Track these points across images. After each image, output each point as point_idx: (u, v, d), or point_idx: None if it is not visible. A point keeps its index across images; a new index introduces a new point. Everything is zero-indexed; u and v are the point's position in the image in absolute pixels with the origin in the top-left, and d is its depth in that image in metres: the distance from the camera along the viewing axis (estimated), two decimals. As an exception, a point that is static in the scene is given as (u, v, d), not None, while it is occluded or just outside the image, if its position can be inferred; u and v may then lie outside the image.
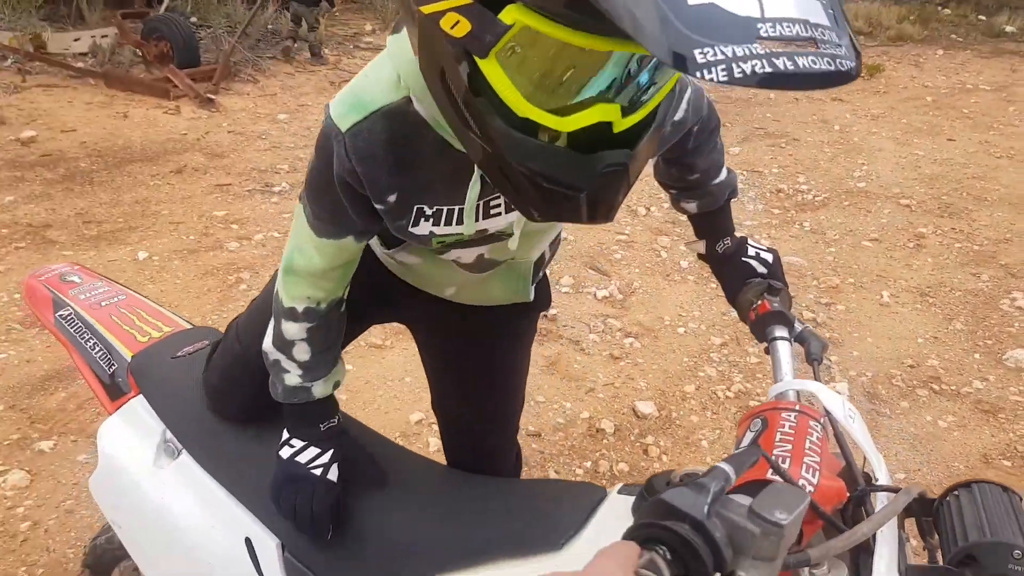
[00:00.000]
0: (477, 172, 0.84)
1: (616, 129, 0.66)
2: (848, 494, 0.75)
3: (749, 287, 1.11)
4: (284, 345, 1.08)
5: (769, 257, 1.15)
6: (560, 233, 1.21)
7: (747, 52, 0.49)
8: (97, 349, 1.37)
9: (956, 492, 0.76)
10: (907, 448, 2.70)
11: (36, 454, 2.49)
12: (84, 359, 1.38)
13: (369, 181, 0.86)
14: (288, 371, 1.09)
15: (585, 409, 2.86)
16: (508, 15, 0.59)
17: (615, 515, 0.94)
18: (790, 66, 0.49)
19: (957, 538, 0.69)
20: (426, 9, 0.63)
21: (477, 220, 0.91)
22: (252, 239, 3.93)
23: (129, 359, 1.34)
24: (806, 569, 0.70)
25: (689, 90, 1.03)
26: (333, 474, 1.09)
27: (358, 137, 0.84)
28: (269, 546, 1.12)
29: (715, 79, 0.49)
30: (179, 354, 1.36)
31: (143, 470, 1.26)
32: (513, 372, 1.34)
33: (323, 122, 0.88)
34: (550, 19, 0.58)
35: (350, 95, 0.86)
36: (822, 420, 0.82)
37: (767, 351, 1.02)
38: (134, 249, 3.74)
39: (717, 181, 1.22)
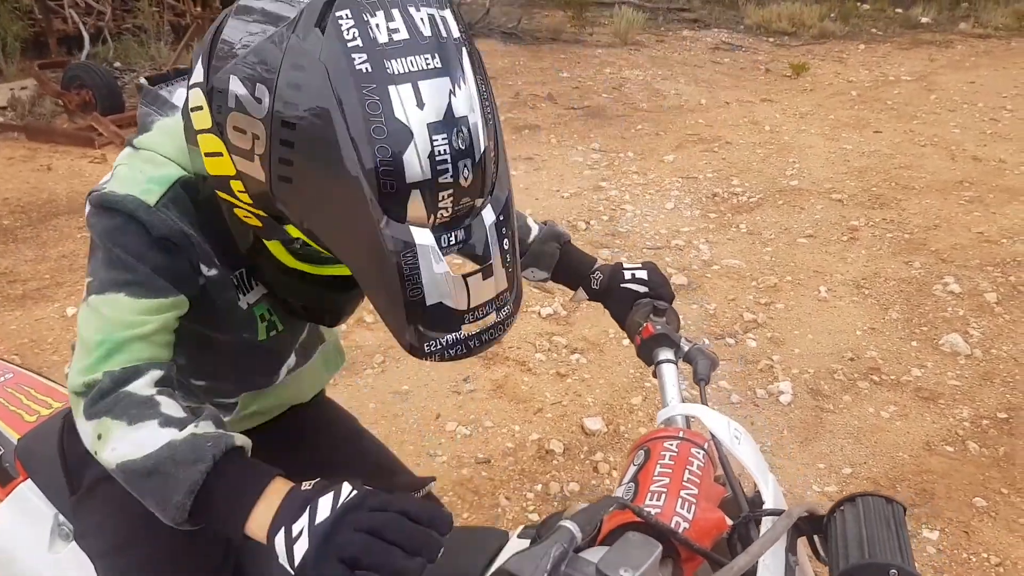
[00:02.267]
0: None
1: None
2: (731, 523, 0.74)
3: (635, 310, 1.09)
4: (142, 412, 0.80)
5: (644, 274, 1.14)
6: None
7: (454, 339, 0.75)
8: None
9: (842, 507, 0.75)
10: (852, 442, 2.73)
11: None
12: None
13: (197, 243, 0.90)
14: (169, 439, 0.79)
15: (534, 431, 2.83)
16: (293, 230, 0.80)
17: (516, 558, 0.91)
18: (475, 344, 0.77)
19: (840, 560, 0.68)
20: (215, 171, 0.80)
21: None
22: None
23: (16, 442, 1.28)
24: (689, 608, 0.68)
25: None
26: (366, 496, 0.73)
27: (170, 208, 0.87)
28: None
29: (434, 360, 0.75)
30: None
31: (38, 558, 1.20)
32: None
33: (96, 218, 0.87)
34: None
35: (130, 177, 0.88)
36: (706, 445, 0.80)
37: (654, 375, 1.01)
38: (62, 305, 3.62)
39: (532, 238, 1.23)
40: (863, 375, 3.09)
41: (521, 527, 0.95)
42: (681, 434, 0.79)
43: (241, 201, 0.79)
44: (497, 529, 0.97)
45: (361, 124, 0.66)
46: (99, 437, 0.81)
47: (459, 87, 0.69)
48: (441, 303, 0.72)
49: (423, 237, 0.69)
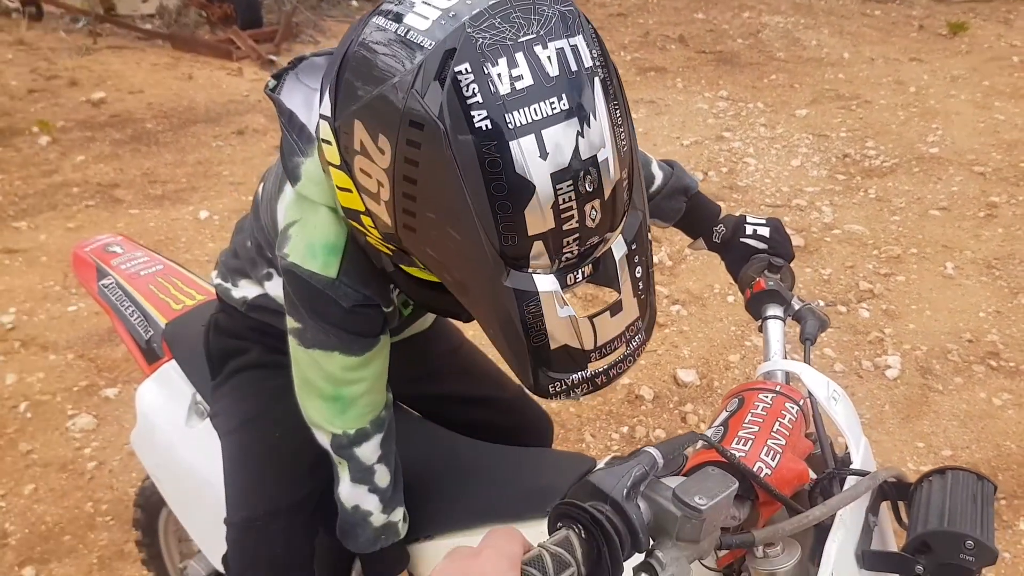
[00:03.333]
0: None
1: None
2: (814, 478, 0.76)
3: (750, 264, 1.09)
4: (365, 476, 1.02)
5: (766, 231, 1.12)
6: None
7: (580, 378, 0.75)
8: (135, 316, 1.47)
9: (931, 478, 0.76)
10: (957, 425, 2.63)
11: (102, 400, 2.66)
12: (124, 325, 1.48)
13: (379, 295, 0.95)
14: (371, 511, 1.04)
15: (626, 375, 2.87)
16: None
17: (601, 484, 0.96)
18: (602, 380, 0.76)
19: (919, 524, 0.69)
20: (347, 204, 0.81)
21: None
22: (308, 200, 4.02)
23: (164, 326, 1.43)
24: (760, 548, 0.71)
25: None
26: None
27: (349, 273, 0.91)
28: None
29: (559, 399, 0.76)
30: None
31: (176, 429, 1.36)
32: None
33: (293, 284, 0.93)
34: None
35: (308, 248, 0.91)
36: (801, 402, 0.82)
37: (760, 329, 1.02)
38: (196, 208, 3.89)
39: (655, 188, 1.18)
40: (980, 359, 2.94)
41: (609, 456, 1.00)
42: (778, 388, 0.81)
43: (371, 234, 0.81)
44: (586, 456, 1.02)
45: (480, 183, 0.65)
46: (339, 463, 1.04)
47: (588, 124, 0.66)
48: (566, 346, 0.71)
49: (546, 284, 0.69)
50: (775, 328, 0.99)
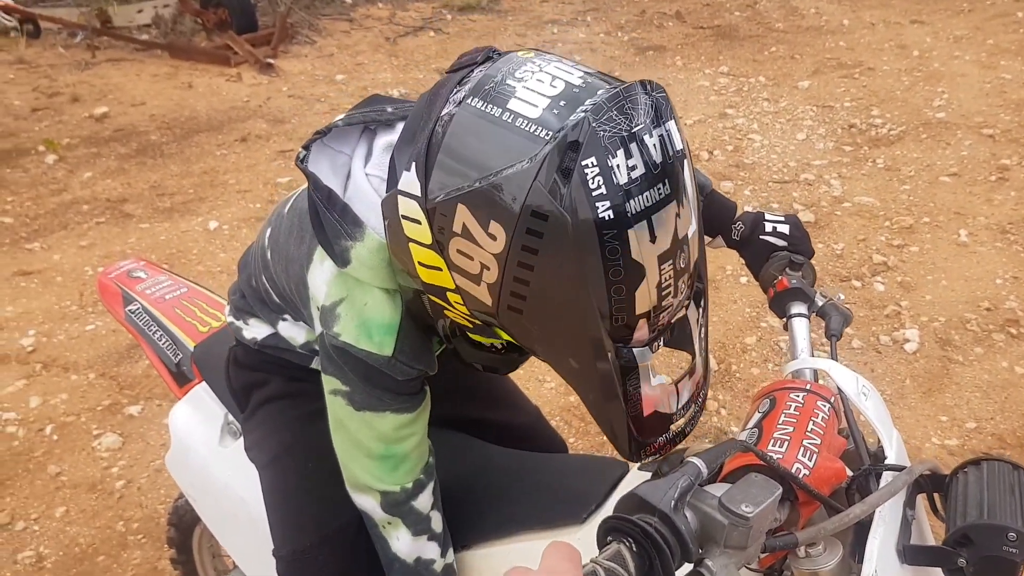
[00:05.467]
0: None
1: None
2: (850, 475, 0.76)
3: (771, 262, 1.09)
4: (424, 526, 1.03)
5: (786, 228, 1.12)
6: None
7: (665, 439, 0.81)
8: (163, 340, 1.49)
9: (966, 469, 0.76)
10: (980, 396, 2.62)
11: (126, 418, 2.69)
12: (153, 350, 1.50)
13: (428, 365, 0.97)
14: (433, 558, 1.04)
15: (644, 362, 2.87)
16: (503, 334, 0.84)
17: (634, 488, 0.96)
18: (679, 438, 0.82)
19: (958, 518, 0.70)
20: (430, 280, 0.81)
21: None
22: (316, 204, 4.03)
23: (192, 349, 1.45)
24: (802, 548, 0.71)
25: None
26: None
27: (404, 351, 0.92)
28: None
29: (646, 459, 0.81)
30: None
31: (210, 450, 1.37)
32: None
33: (345, 361, 0.93)
34: None
35: (361, 328, 0.92)
36: (832, 399, 0.82)
37: (785, 328, 1.02)
38: (205, 219, 3.90)
39: None
40: (999, 327, 2.93)
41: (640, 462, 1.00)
42: (808, 386, 0.81)
43: (455, 308, 0.82)
44: (619, 460, 1.03)
45: (600, 269, 0.68)
46: (388, 524, 1.03)
47: (683, 205, 0.71)
48: (656, 411, 0.77)
49: (644, 357, 0.73)
50: (800, 326, 0.99)
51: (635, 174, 0.68)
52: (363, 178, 0.93)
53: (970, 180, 3.97)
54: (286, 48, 6.39)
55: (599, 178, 0.66)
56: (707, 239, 1.22)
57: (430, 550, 1.04)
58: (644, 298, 0.70)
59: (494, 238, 0.71)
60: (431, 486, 1.03)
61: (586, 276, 0.68)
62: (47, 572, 2.15)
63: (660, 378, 0.75)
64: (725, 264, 3.32)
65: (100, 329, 3.09)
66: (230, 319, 1.21)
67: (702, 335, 0.81)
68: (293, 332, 1.10)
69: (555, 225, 0.68)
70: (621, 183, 0.67)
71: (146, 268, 1.67)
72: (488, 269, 0.73)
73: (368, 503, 1.01)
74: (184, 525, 1.74)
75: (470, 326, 0.85)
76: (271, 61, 5.98)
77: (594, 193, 0.67)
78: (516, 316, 0.75)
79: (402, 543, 1.02)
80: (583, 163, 0.66)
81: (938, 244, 3.46)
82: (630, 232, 0.68)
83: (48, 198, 4.13)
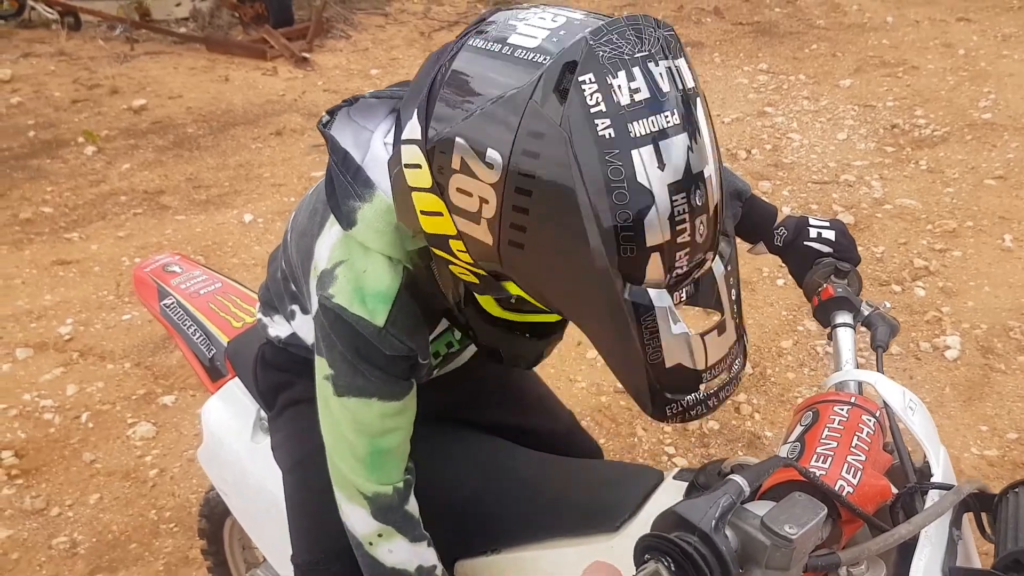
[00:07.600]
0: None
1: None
2: (895, 492, 0.73)
3: (815, 269, 1.05)
4: (419, 532, 1.01)
5: (831, 234, 1.08)
6: None
7: (694, 399, 0.75)
8: (197, 335, 1.50)
9: (1016, 490, 0.72)
10: (1022, 407, 2.54)
11: (160, 408, 2.73)
12: (187, 344, 1.51)
13: (420, 348, 0.95)
14: (435, 563, 1.03)
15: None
16: (512, 287, 0.79)
17: (670, 499, 0.94)
18: (713, 403, 0.76)
19: (1008, 541, 0.67)
20: (432, 229, 0.78)
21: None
22: (348, 198, 4.05)
23: (225, 344, 1.46)
24: (844, 568, 0.69)
25: None
26: None
27: (396, 323, 0.90)
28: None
29: (675, 422, 0.75)
30: None
31: (242, 445, 1.38)
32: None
33: (336, 326, 0.91)
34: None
35: (356, 293, 0.89)
36: (878, 413, 0.79)
37: (829, 337, 0.98)
38: (240, 212, 3.94)
39: None
40: (1045, 335, 2.84)
41: (677, 469, 0.98)
42: (853, 400, 0.78)
43: (459, 260, 0.79)
44: (653, 468, 1.01)
45: (603, 191, 0.65)
46: (380, 535, 0.99)
47: (696, 141, 0.68)
48: (680, 364, 0.71)
49: (661, 299, 0.69)
50: (846, 336, 0.96)
51: (639, 96, 0.65)
52: (381, 146, 0.93)
53: (1016, 184, 3.86)
54: (321, 42, 6.42)
55: (598, 95, 0.64)
56: (749, 245, 1.19)
57: (430, 556, 1.01)
58: (655, 228, 0.66)
59: (491, 166, 0.69)
60: (412, 488, 1.01)
61: (588, 199, 0.65)
62: (80, 558, 2.18)
63: (682, 326, 0.69)
64: (761, 266, 3.26)
65: (136, 319, 3.14)
66: (259, 316, 1.21)
67: (732, 296, 0.76)
68: (305, 329, 1.09)
69: (552, 145, 0.65)
70: (623, 103, 0.65)
71: (181, 262, 1.68)
72: (487, 203, 0.70)
73: (357, 514, 0.99)
74: (215, 517, 1.76)
75: (476, 281, 0.81)
76: (306, 55, 6.02)
77: (593, 110, 0.64)
78: (519, 254, 0.72)
79: (398, 553, 0.99)
80: (580, 79, 0.64)
81: (981, 249, 3.37)
82: (634, 153, 0.64)
83: (87, 189, 4.20)
